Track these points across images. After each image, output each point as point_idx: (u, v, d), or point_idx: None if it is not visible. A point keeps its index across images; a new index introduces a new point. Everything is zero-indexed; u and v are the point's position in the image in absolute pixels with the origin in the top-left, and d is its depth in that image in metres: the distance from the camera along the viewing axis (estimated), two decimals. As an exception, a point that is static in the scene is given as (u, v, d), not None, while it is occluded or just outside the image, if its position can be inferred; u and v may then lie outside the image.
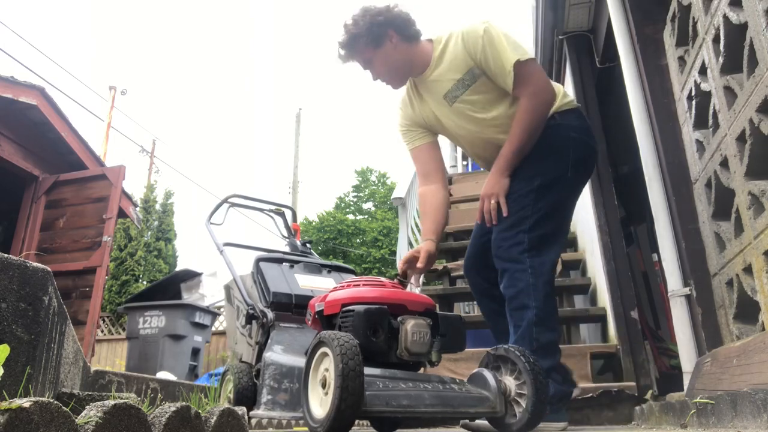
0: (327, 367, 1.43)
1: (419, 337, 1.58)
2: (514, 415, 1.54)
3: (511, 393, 1.56)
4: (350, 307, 1.58)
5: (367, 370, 1.39)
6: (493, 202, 2.04)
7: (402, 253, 3.94)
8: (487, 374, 1.59)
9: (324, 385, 1.43)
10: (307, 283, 2.32)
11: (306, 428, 2.22)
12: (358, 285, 1.72)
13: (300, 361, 1.90)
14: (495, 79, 2.04)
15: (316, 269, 2.44)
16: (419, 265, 2.12)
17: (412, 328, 1.58)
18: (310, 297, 2.02)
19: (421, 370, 1.71)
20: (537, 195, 2.02)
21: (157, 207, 13.44)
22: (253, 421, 2.04)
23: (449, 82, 2.11)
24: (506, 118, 2.08)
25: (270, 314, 2.15)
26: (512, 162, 2.03)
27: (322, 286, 2.31)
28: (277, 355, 2.04)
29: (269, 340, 2.11)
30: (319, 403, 1.44)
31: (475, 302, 6.86)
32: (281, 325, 2.15)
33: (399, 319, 1.60)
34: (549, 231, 2.06)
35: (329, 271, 2.47)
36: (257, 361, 2.16)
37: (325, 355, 1.44)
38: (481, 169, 8.16)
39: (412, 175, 4.39)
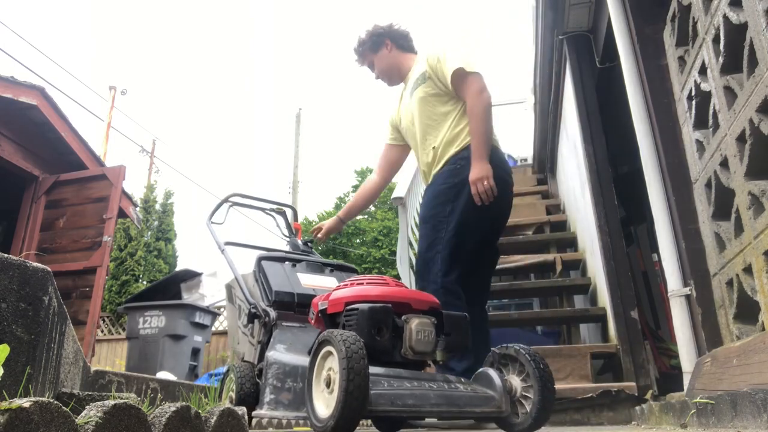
0: (331, 366, 1.42)
1: (424, 336, 1.58)
2: (521, 414, 1.54)
3: (516, 392, 1.56)
4: (354, 306, 1.57)
5: (372, 369, 1.39)
6: (485, 183, 2.29)
7: (402, 253, 3.94)
8: (493, 373, 1.58)
9: (328, 384, 1.42)
10: (309, 281, 2.31)
11: (308, 428, 2.22)
12: (362, 283, 1.71)
13: (303, 360, 1.89)
14: (443, 81, 2.46)
15: (319, 268, 2.44)
16: (319, 235, 2.85)
17: (416, 326, 1.57)
18: (313, 296, 2.01)
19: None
20: (450, 219, 2.35)
21: (157, 207, 13.43)
22: (254, 421, 2.04)
23: (415, 78, 2.60)
24: (429, 121, 2.52)
25: (272, 313, 2.14)
26: (484, 149, 2.34)
27: (324, 285, 2.30)
28: (279, 354, 2.04)
29: (272, 339, 2.11)
30: (324, 403, 1.44)
31: (475, 302, 6.86)
32: (284, 324, 2.14)
33: (403, 317, 1.59)
34: (457, 252, 2.35)
35: (331, 270, 2.47)
36: (259, 360, 2.15)
37: (330, 353, 1.44)
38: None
39: (412, 175, 4.39)
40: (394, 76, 2.77)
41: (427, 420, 2.00)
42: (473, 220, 2.37)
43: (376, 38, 2.74)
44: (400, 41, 2.75)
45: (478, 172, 2.31)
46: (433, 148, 2.50)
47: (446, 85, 2.46)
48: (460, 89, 2.43)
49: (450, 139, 2.47)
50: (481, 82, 2.41)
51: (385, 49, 2.74)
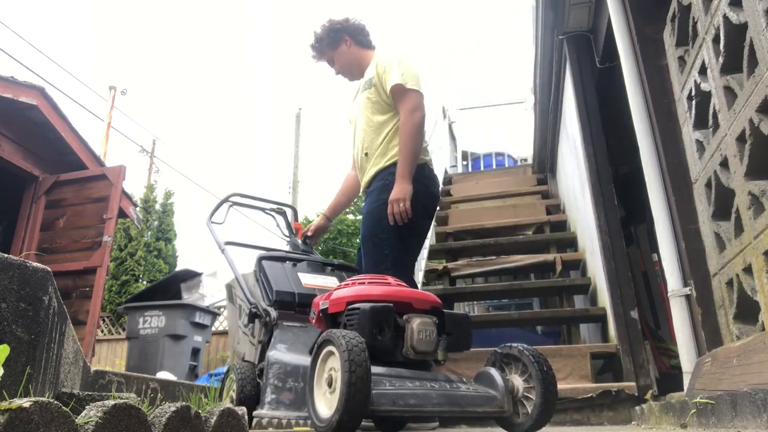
0: (333, 366, 1.42)
1: (425, 336, 1.58)
2: (523, 415, 1.54)
3: (518, 392, 1.56)
4: (356, 305, 1.57)
5: (374, 369, 1.38)
6: (401, 205, 2.35)
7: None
8: (495, 373, 1.58)
9: (330, 384, 1.42)
10: (310, 281, 2.31)
11: (308, 428, 2.22)
12: (363, 283, 1.71)
13: (304, 360, 1.89)
14: (385, 91, 2.53)
15: (319, 268, 2.44)
16: (309, 233, 2.80)
17: (418, 326, 1.57)
18: (314, 295, 2.01)
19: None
20: (389, 236, 2.41)
21: (157, 207, 13.43)
22: (253, 421, 2.04)
23: (365, 80, 2.66)
24: (367, 128, 2.58)
25: (273, 313, 2.14)
26: (408, 168, 2.40)
27: (325, 285, 2.30)
28: (280, 353, 2.03)
29: (272, 339, 2.10)
30: (325, 402, 1.44)
31: (475, 302, 6.88)
32: (284, 323, 2.14)
33: (405, 317, 1.59)
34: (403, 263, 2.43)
35: (332, 270, 2.46)
36: (260, 360, 2.15)
37: (331, 353, 1.44)
38: (481, 169, 8.18)
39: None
40: (354, 71, 2.79)
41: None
42: (409, 233, 2.44)
43: (334, 34, 2.75)
44: (359, 37, 2.77)
45: (397, 193, 2.37)
46: (366, 154, 2.59)
47: (387, 96, 2.54)
48: (397, 104, 2.50)
49: (383, 151, 2.54)
50: (417, 101, 2.46)
51: (344, 45, 2.76)
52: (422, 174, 2.51)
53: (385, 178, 2.49)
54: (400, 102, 2.47)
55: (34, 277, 1.32)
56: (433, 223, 5.25)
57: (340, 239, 15.17)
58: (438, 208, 4.96)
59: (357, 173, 2.79)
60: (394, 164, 2.46)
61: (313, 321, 1.83)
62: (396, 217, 2.35)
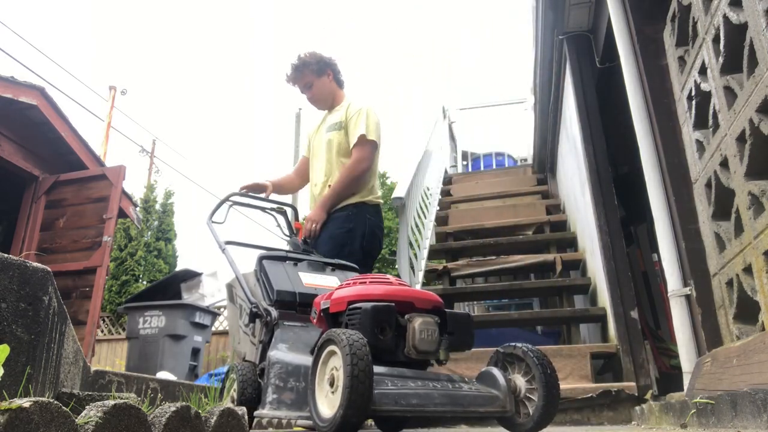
0: (335, 366, 1.42)
1: (427, 335, 1.57)
2: (525, 415, 1.54)
3: (521, 392, 1.56)
4: (357, 305, 1.56)
5: (375, 369, 1.38)
6: (314, 226, 2.75)
7: (402, 253, 3.95)
8: (497, 373, 1.58)
9: (332, 384, 1.42)
10: (311, 281, 2.31)
11: (304, 428, 2.22)
12: (365, 282, 1.71)
13: (306, 360, 1.89)
14: (350, 137, 2.87)
15: (320, 267, 2.43)
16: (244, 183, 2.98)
17: (419, 326, 1.57)
18: (314, 295, 2.01)
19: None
20: (349, 260, 2.59)
21: (157, 207, 13.42)
22: (254, 421, 2.04)
23: (335, 120, 2.97)
24: (335, 166, 2.90)
25: (274, 312, 2.14)
26: (331, 202, 2.78)
27: (326, 284, 2.30)
28: (281, 353, 2.03)
29: (273, 339, 2.10)
30: (327, 402, 1.43)
31: (475, 302, 6.88)
32: (285, 323, 2.14)
33: (406, 316, 1.59)
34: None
35: (333, 269, 2.46)
36: (261, 360, 2.15)
37: (333, 353, 1.43)
38: (481, 169, 8.18)
39: (411, 175, 4.39)
40: (327, 103, 3.10)
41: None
42: (365, 256, 2.78)
43: (321, 64, 3.04)
44: (338, 76, 3.12)
45: (314, 215, 2.76)
46: (329, 186, 2.88)
47: (349, 141, 2.90)
48: (353, 148, 2.84)
49: None
50: (370, 152, 2.84)
51: (326, 77, 3.06)
52: (377, 214, 2.93)
53: (348, 209, 2.83)
54: (357, 147, 2.83)
55: (34, 277, 1.32)
56: (433, 223, 5.27)
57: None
58: (442, 213, 5.58)
59: (299, 182, 3.23)
60: (360, 204, 2.85)
61: (314, 320, 1.83)
62: (305, 234, 2.75)
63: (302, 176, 3.22)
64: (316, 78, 3.04)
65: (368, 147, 2.83)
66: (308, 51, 3.07)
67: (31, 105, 4.89)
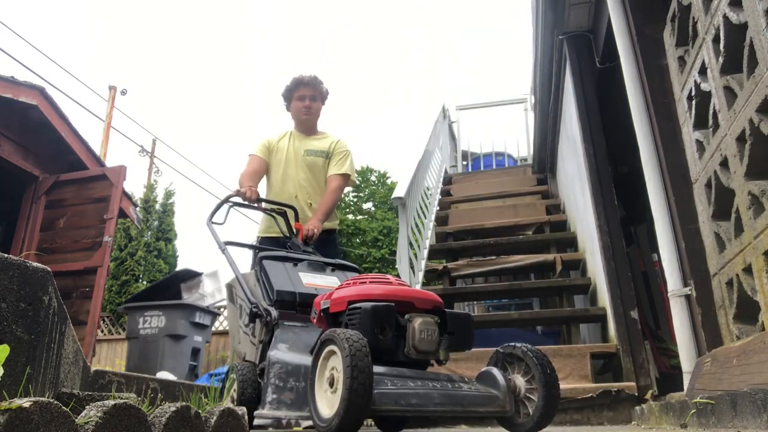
0: (335, 366, 1.42)
1: (427, 335, 1.57)
2: (525, 415, 1.54)
3: (520, 392, 1.55)
4: (357, 305, 1.57)
5: (375, 369, 1.38)
6: (315, 230, 2.95)
7: (402, 252, 3.95)
8: (496, 373, 1.58)
9: (331, 384, 1.42)
10: (311, 281, 2.31)
11: (302, 428, 2.22)
12: (365, 282, 1.71)
13: (305, 360, 1.89)
14: (330, 164, 3.34)
15: (320, 267, 2.43)
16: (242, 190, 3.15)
17: (419, 326, 1.57)
18: (314, 295, 2.01)
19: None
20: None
21: (157, 207, 13.41)
22: (254, 421, 2.04)
23: (322, 147, 3.38)
24: (316, 187, 3.31)
25: (274, 312, 2.14)
26: (323, 218, 3.09)
27: (326, 284, 2.30)
28: (281, 353, 2.03)
29: (273, 339, 2.10)
30: (327, 402, 1.43)
31: (475, 302, 6.88)
32: (285, 323, 2.14)
33: (406, 316, 1.59)
34: None
35: (333, 270, 2.46)
36: (261, 359, 2.15)
37: (333, 353, 1.43)
38: (481, 169, 8.17)
39: (411, 175, 4.39)
40: (312, 123, 3.44)
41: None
42: None
43: (327, 96, 3.50)
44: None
45: (314, 224, 3.00)
46: (310, 204, 3.25)
47: (331, 171, 3.31)
48: (336, 177, 3.27)
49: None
50: (346, 186, 3.36)
51: (323, 106, 3.49)
52: (338, 238, 3.36)
53: (331, 234, 3.28)
54: (339, 179, 3.27)
55: (34, 277, 1.32)
56: (434, 223, 5.27)
57: (340, 239, 15.16)
58: (438, 207, 5.72)
59: (258, 181, 3.36)
60: (333, 230, 3.31)
61: (314, 320, 1.83)
62: (306, 239, 2.92)
63: (261, 177, 3.34)
64: (321, 100, 3.43)
65: (347, 181, 3.32)
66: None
67: (31, 105, 4.88)
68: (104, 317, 10.39)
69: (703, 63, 1.84)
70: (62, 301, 1.48)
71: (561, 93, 4.73)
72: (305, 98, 3.37)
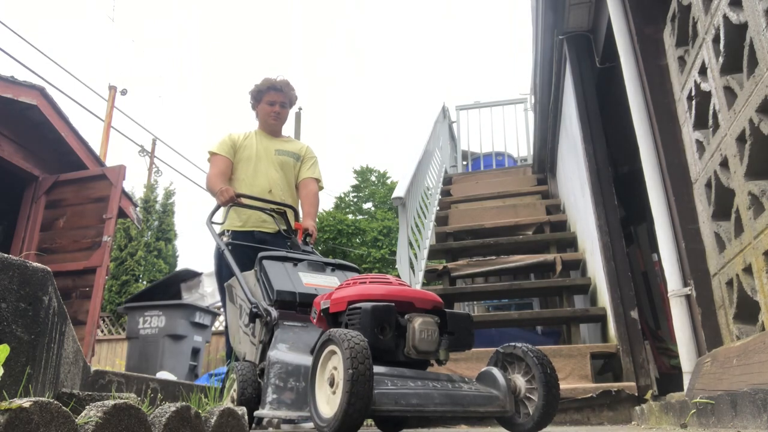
0: (335, 366, 1.42)
1: (427, 335, 1.57)
2: (525, 415, 1.54)
3: (520, 392, 1.55)
4: (357, 305, 1.57)
5: (375, 369, 1.38)
6: (315, 231, 3.08)
7: (402, 252, 3.95)
8: (497, 373, 1.58)
9: (332, 384, 1.42)
10: (310, 281, 2.31)
11: (300, 428, 2.22)
12: (365, 282, 1.71)
13: (305, 360, 1.89)
14: (302, 167, 3.47)
15: (320, 267, 2.43)
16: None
17: (419, 326, 1.57)
18: (314, 295, 2.01)
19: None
20: None
21: (157, 207, 13.42)
22: (254, 421, 2.04)
23: (293, 150, 3.49)
24: (286, 186, 3.37)
25: (274, 312, 2.14)
26: (315, 219, 3.23)
27: (326, 284, 2.30)
28: (281, 353, 2.03)
29: (273, 339, 2.10)
30: (327, 402, 1.43)
31: (475, 302, 6.88)
32: (285, 323, 2.14)
33: (406, 316, 1.59)
34: None
35: (333, 270, 2.46)
36: (261, 359, 2.15)
37: (333, 353, 1.43)
38: (481, 169, 8.17)
39: (411, 175, 4.39)
40: (279, 127, 3.52)
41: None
42: None
43: (295, 102, 3.59)
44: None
45: (312, 225, 3.12)
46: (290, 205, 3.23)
47: (302, 174, 3.45)
48: (312, 183, 3.40)
49: (303, 213, 3.36)
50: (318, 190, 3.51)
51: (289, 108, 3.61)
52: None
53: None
54: (315, 184, 3.41)
55: (34, 277, 1.32)
56: (434, 222, 5.27)
57: (340, 239, 15.17)
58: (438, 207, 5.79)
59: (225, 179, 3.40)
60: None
61: (314, 320, 1.83)
62: (309, 238, 3.04)
63: (228, 177, 3.33)
64: (289, 107, 3.54)
65: (319, 186, 3.46)
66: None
67: (31, 105, 4.88)
68: (104, 317, 10.39)
69: (703, 63, 1.84)
70: (62, 301, 1.48)
71: (561, 93, 4.73)
72: (275, 104, 3.42)
